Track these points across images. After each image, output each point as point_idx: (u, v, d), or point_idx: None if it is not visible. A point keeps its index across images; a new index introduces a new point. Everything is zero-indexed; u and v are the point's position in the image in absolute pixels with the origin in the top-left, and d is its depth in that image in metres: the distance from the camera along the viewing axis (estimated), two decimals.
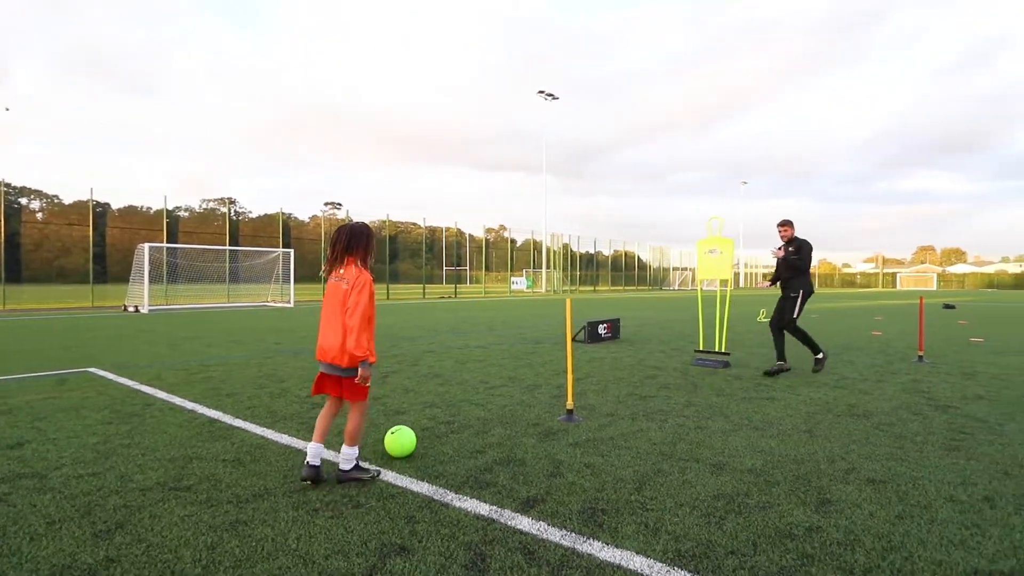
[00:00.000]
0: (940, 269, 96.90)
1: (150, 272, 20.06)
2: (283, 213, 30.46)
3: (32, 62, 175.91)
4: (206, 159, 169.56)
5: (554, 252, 47.83)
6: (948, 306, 22.79)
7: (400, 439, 3.61)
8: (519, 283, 38.25)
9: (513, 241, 44.85)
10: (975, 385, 6.18)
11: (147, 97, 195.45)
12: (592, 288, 49.71)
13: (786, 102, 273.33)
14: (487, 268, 42.34)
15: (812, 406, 5.14)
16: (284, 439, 4.04)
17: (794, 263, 6.91)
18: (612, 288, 52.52)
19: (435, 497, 3.00)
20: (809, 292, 7.00)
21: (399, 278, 51.13)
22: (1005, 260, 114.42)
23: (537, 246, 46.63)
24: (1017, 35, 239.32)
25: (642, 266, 57.96)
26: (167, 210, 24.54)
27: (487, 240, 47.51)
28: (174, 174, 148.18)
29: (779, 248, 7.11)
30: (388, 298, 29.04)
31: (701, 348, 7.72)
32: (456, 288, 34.45)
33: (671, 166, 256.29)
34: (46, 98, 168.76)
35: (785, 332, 6.98)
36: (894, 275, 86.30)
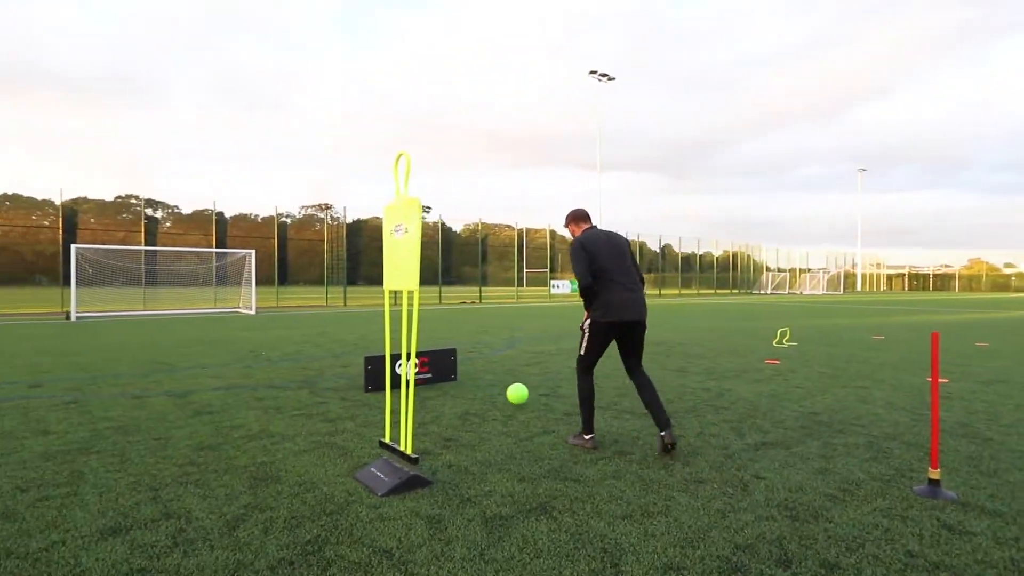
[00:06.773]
0: None
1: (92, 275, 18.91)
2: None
3: (184, 89, 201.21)
4: (325, 168, 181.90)
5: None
6: None
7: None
8: (561, 286, 33.83)
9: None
10: None
11: (275, 113, 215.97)
12: (658, 292, 44.04)
13: (931, 82, 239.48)
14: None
15: None
16: None
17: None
18: (682, 292, 46.37)
19: None
20: (598, 323, 3.90)
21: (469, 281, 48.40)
22: None
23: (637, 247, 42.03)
24: None
25: (725, 267, 50.92)
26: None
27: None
28: (298, 181, 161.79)
29: None
30: (345, 305, 25.97)
31: (387, 439, 3.58)
32: (481, 291, 30.95)
33: (794, 160, 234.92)
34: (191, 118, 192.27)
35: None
36: None
